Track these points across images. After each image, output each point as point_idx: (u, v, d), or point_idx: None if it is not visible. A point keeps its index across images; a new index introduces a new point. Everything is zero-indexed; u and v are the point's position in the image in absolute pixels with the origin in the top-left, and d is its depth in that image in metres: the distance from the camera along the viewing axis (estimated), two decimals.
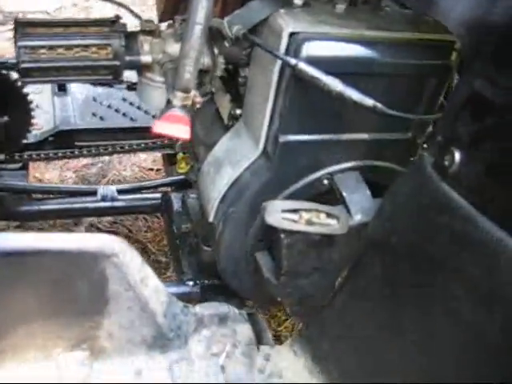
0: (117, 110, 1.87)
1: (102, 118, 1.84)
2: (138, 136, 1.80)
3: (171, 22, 1.16)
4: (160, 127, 0.98)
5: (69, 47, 1.06)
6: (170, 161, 1.86)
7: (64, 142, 1.74)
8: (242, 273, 1.29)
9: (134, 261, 1.05)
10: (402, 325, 0.97)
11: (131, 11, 1.13)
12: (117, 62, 1.09)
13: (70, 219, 1.91)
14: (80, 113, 1.82)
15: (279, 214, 1.04)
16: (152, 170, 2.50)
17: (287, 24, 1.02)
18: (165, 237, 2.13)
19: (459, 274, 0.83)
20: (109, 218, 2.13)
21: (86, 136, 1.76)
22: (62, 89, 1.89)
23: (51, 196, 1.70)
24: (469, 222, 0.79)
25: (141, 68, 1.14)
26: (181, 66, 0.98)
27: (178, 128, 0.97)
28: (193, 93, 1.00)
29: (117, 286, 1.05)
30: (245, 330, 1.22)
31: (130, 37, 1.11)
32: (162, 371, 1.10)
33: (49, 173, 2.38)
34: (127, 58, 1.10)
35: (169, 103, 1.00)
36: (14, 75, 1.46)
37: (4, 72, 1.42)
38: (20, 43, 1.04)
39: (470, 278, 0.80)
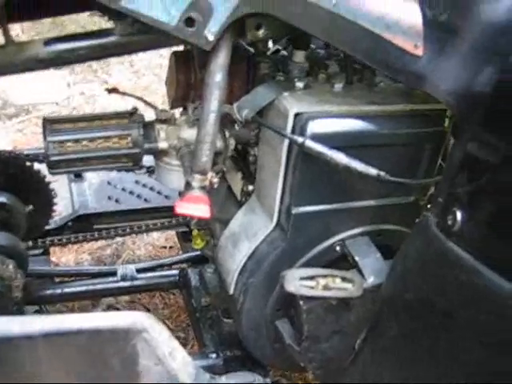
0: (131, 193, 1.96)
1: (117, 201, 1.92)
2: (152, 216, 1.88)
3: (184, 109, 1.25)
4: (182, 208, 1.05)
5: (92, 139, 1.15)
6: (184, 238, 1.93)
7: (83, 225, 1.81)
8: (264, 341, 1.33)
9: (163, 335, 1.09)
10: (423, 377, 1.02)
11: (146, 102, 1.23)
12: (136, 150, 1.17)
13: (92, 300, 1.96)
14: (96, 197, 1.91)
15: (297, 281, 1.10)
16: (165, 247, 2.55)
17: (292, 106, 1.11)
18: (181, 312, 2.18)
19: (470, 322, 0.88)
20: (126, 298, 2.18)
21: (104, 219, 1.85)
22: (77, 175, 1.98)
23: (73, 279, 1.76)
24: (474, 273, 0.86)
25: (158, 153, 1.23)
26: (198, 150, 1.06)
27: (198, 208, 1.05)
28: (210, 174, 1.09)
29: (147, 361, 1.09)
30: None
31: (148, 126, 1.20)
32: None
33: (65, 256, 2.44)
34: (146, 146, 1.19)
35: (188, 185, 1.08)
36: (37, 166, 1.55)
37: (28, 164, 1.51)
38: (49, 138, 1.13)
39: (480, 325, 0.86)
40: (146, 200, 1.95)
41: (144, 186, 2.00)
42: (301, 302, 1.15)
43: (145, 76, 3.97)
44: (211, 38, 0.95)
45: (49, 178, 1.59)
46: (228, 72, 1.04)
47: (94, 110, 3.45)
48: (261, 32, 1.03)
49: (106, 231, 1.73)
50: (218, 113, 1.04)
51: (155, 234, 2.62)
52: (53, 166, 1.15)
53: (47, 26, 4.12)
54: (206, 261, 1.71)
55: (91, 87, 3.82)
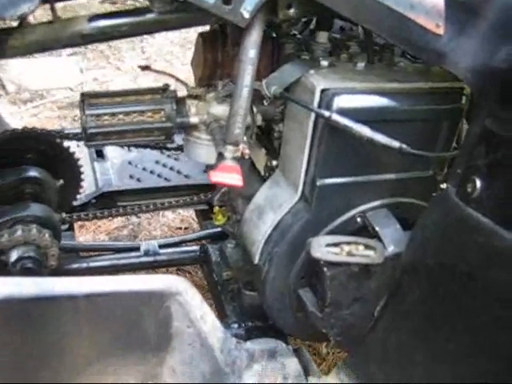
0: (152, 172, 2.02)
1: (138, 180, 1.98)
2: (173, 194, 1.94)
3: (210, 87, 1.31)
4: (216, 177, 1.11)
5: (127, 113, 1.21)
6: (203, 216, 1.99)
7: (106, 202, 1.88)
8: (287, 310, 1.39)
9: (195, 299, 1.15)
10: (444, 341, 1.08)
11: (178, 79, 1.29)
12: (169, 124, 1.24)
13: (116, 274, 2.02)
14: (118, 176, 1.97)
15: (323, 247, 1.16)
16: (180, 228, 2.62)
17: (318, 82, 1.17)
18: (199, 289, 2.24)
19: (490, 282, 0.94)
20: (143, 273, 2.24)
21: (127, 196, 1.91)
22: (100, 155, 2.05)
23: (97, 254, 1.82)
24: (493, 236, 0.92)
25: (188, 128, 1.29)
26: (231, 123, 1.12)
27: (231, 177, 1.11)
28: (242, 145, 1.15)
29: (180, 323, 1.14)
30: (293, 363, 1.31)
31: (179, 101, 1.26)
32: None
33: (83, 236, 2.51)
34: (178, 120, 1.25)
35: (221, 156, 1.14)
36: (66, 143, 1.61)
37: (58, 141, 1.57)
38: (87, 112, 1.19)
39: (499, 284, 0.92)
40: (166, 179, 2.01)
41: (164, 165, 2.06)
42: (325, 269, 1.21)
43: (156, 62, 4.03)
44: (246, 15, 1.01)
45: (76, 155, 1.65)
46: None
47: None
48: (291, 11, 1.09)
49: (130, 207, 1.79)
50: (250, 87, 1.10)
51: (170, 216, 2.68)
52: (90, 139, 1.21)
53: (59, 12, 4.18)
54: (225, 237, 1.78)
55: (104, 73, 3.89)
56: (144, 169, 2.04)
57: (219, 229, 1.83)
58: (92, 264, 1.75)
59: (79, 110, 1.21)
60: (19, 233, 1.30)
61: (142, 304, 1.11)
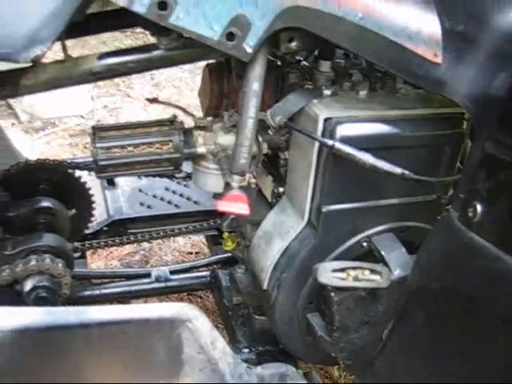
0: (162, 199, 2.06)
1: (149, 207, 2.02)
2: (183, 220, 1.97)
3: (216, 117, 1.35)
4: (223, 206, 1.15)
5: (136, 145, 1.25)
6: (213, 241, 2.02)
7: (117, 230, 1.91)
8: (296, 334, 1.42)
9: (205, 325, 1.17)
10: (450, 362, 1.10)
11: (185, 111, 1.33)
12: (177, 155, 1.27)
13: (128, 300, 2.05)
14: (129, 203, 2.01)
15: (329, 273, 1.19)
16: (191, 253, 2.65)
17: (321, 111, 1.20)
18: (209, 314, 2.26)
19: (492, 304, 0.96)
20: (156, 300, 2.27)
21: (138, 224, 1.95)
22: (111, 183, 2.09)
23: (108, 281, 1.85)
24: (496, 260, 0.94)
25: (196, 158, 1.32)
26: (237, 153, 1.16)
27: (238, 206, 1.14)
28: (247, 175, 1.18)
29: (190, 349, 1.17)
30: None
31: (187, 132, 1.30)
32: None
33: (95, 263, 2.54)
34: (186, 151, 1.28)
35: (228, 185, 1.17)
36: (78, 173, 1.65)
37: (70, 171, 1.61)
38: (97, 145, 1.23)
39: (502, 307, 0.94)
40: (176, 206, 2.04)
41: (174, 192, 2.10)
42: (332, 294, 1.23)
43: (165, 88, 4.09)
44: (249, 50, 1.05)
45: (88, 185, 1.69)
46: None
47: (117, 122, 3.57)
48: (293, 44, 1.12)
49: (141, 235, 1.82)
50: (255, 118, 1.14)
51: (181, 241, 2.71)
52: (101, 170, 1.25)
53: (70, 42, 4.27)
54: (235, 262, 1.80)
55: (114, 100, 3.95)
56: (154, 196, 2.08)
57: (229, 254, 1.86)
58: (104, 291, 1.78)
59: (90, 142, 1.25)
60: (33, 263, 1.33)
61: (154, 331, 1.13)
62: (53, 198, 1.55)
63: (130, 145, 1.24)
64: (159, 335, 1.14)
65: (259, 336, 1.62)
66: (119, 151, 1.24)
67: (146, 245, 2.67)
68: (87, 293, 1.75)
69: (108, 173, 1.26)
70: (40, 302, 1.32)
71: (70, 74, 1.08)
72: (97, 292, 1.76)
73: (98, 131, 1.25)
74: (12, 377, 1.06)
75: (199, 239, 2.66)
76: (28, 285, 1.33)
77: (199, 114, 1.39)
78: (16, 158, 1.78)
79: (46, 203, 1.53)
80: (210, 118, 1.33)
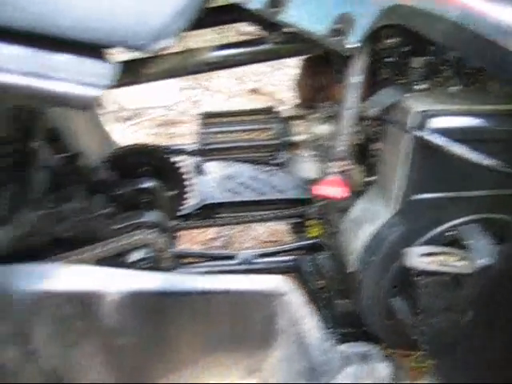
0: (248, 186, 2.16)
1: (236, 193, 2.12)
2: (268, 207, 2.06)
3: (314, 108, 1.44)
4: (321, 190, 1.23)
5: (239, 131, 1.36)
6: (297, 228, 2.11)
7: (207, 213, 2.03)
8: (379, 316, 1.49)
9: (299, 299, 1.25)
10: None
11: (282, 102, 1.42)
12: (276, 141, 1.37)
13: None
14: (218, 189, 2.11)
15: (418, 257, 1.25)
16: (270, 241, 2.74)
17: (414, 105, 1.26)
18: None
19: None
20: None
21: (226, 209, 2.05)
22: (200, 170, 2.20)
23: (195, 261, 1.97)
24: None
25: (292, 146, 1.42)
26: (337, 141, 1.24)
27: (336, 190, 1.23)
28: (345, 162, 1.26)
29: (284, 322, 1.25)
30: (385, 368, 1.39)
31: (285, 121, 1.39)
32: None
33: (179, 246, 2.67)
34: (284, 138, 1.38)
35: (324, 171, 1.26)
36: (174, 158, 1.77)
37: (167, 155, 1.74)
38: (206, 130, 1.34)
39: None
40: (261, 193, 2.14)
41: (259, 180, 2.20)
42: (418, 277, 1.30)
43: (246, 83, 4.19)
44: (352, 46, 1.13)
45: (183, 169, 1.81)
46: None
47: None
48: (392, 41, 1.20)
49: (229, 219, 1.93)
50: (355, 109, 1.22)
51: (260, 229, 2.81)
52: (206, 154, 1.36)
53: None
54: (317, 249, 1.89)
55: (195, 93, 4.09)
56: (241, 183, 2.18)
57: (312, 241, 1.94)
58: (191, 270, 1.89)
59: (199, 127, 1.36)
60: (139, 236, 1.45)
61: (252, 302, 1.22)
62: (153, 179, 1.68)
63: (233, 131, 1.35)
64: (257, 306, 1.21)
65: (341, 318, 1.69)
66: (223, 136, 1.34)
67: (226, 231, 2.78)
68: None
69: (213, 156, 1.37)
70: None
71: (186, 65, 1.19)
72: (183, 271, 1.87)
73: (206, 117, 1.36)
74: (123, 336, 1.17)
75: (278, 228, 2.75)
76: (132, 257, 1.45)
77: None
78: (111, 144, 1.91)
79: (148, 184, 1.65)
80: (306, 109, 1.42)
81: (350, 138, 1.25)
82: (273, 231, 2.79)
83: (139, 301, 1.16)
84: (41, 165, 1.46)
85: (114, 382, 1.19)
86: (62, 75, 1.01)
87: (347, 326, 1.68)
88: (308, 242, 1.99)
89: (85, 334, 1.15)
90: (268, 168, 2.15)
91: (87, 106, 1.03)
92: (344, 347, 1.40)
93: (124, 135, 3.48)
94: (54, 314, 1.13)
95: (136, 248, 1.46)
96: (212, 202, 2.04)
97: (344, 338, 1.64)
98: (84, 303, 1.13)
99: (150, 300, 1.17)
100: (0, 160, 1.34)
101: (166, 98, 3.88)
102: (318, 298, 1.79)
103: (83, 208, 1.45)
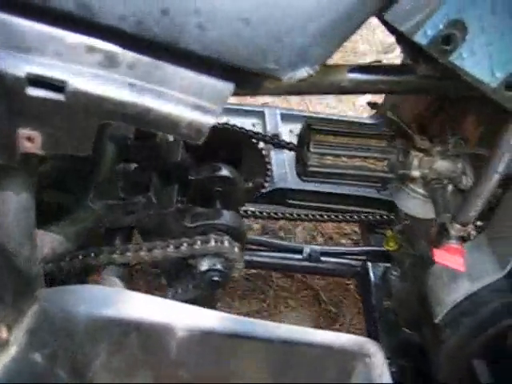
0: None
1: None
2: (344, 203, 1.89)
3: (440, 141, 1.25)
4: (439, 257, 1.07)
5: (351, 156, 1.18)
6: (368, 229, 1.94)
7: (278, 198, 1.86)
8: (457, 375, 1.36)
9: (380, 361, 1.14)
10: None
11: (408, 130, 1.23)
12: (390, 175, 1.19)
13: (275, 272, 2.05)
14: (292, 173, 1.92)
15: None
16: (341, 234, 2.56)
17: None
18: (336, 287, 2.23)
19: None
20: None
21: (299, 196, 1.88)
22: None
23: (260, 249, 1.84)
24: None
25: (405, 178, 1.24)
26: (470, 204, 1.07)
27: (454, 260, 1.07)
28: (470, 226, 1.09)
29: (358, 380, 1.15)
30: None
31: (405, 152, 1.21)
32: None
33: None
34: (400, 172, 1.20)
35: (445, 231, 1.09)
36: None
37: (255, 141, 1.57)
38: (312, 150, 1.17)
39: None
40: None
41: None
42: None
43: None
44: None
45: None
46: None
47: None
48: None
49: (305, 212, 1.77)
50: (501, 174, 1.03)
51: (331, 224, 2.61)
52: (309, 175, 1.20)
53: None
54: (387, 258, 1.74)
55: None
56: None
57: (383, 248, 1.79)
58: (255, 258, 1.77)
59: (302, 141, 1.18)
60: (212, 244, 1.29)
61: (330, 357, 1.11)
62: (233, 167, 1.50)
63: (344, 155, 1.17)
64: (333, 363, 1.12)
65: (404, 349, 1.57)
66: (332, 159, 1.17)
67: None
68: None
69: (316, 178, 1.20)
70: (212, 284, 1.30)
71: (317, 84, 1.00)
72: (247, 257, 1.74)
73: (314, 134, 1.18)
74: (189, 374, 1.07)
75: (349, 227, 2.57)
76: (204, 265, 1.30)
77: None
78: None
79: (225, 172, 1.47)
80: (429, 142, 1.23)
81: (486, 201, 1.08)
82: (343, 228, 2.61)
83: (213, 341, 1.05)
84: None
85: None
86: (177, 93, 0.83)
87: (408, 358, 1.56)
88: (378, 248, 1.84)
89: (144, 365, 1.05)
90: None
91: (197, 137, 0.85)
92: None
93: None
94: (117, 341, 1.02)
95: (208, 255, 1.30)
96: (285, 186, 1.87)
97: (401, 372, 1.53)
98: (148, 335, 1.03)
99: (224, 342, 1.05)
100: None
101: None
102: (382, 320, 1.66)
103: (156, 199, 1.30)
